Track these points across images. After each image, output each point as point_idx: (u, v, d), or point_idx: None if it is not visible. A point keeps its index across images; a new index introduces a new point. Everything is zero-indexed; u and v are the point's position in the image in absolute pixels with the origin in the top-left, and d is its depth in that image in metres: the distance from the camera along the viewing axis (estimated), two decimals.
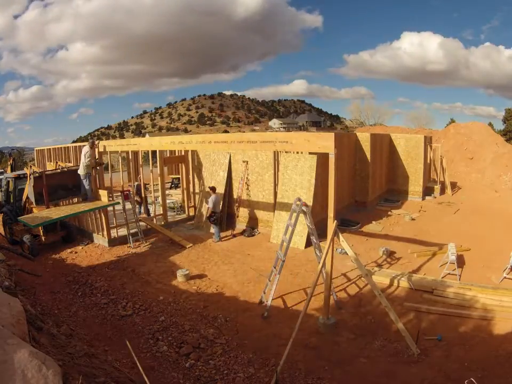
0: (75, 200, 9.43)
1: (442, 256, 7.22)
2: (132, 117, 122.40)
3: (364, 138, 11.91)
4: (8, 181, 9.90)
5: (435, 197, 14.12)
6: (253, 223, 9.99)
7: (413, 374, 4.08)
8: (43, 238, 8.78)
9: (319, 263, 4.91)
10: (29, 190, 8.66)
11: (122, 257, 8.13)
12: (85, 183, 8.80)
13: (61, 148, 14.40)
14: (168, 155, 13.09)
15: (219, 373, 4.20)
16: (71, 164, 11.30)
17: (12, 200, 9.62)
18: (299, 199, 5.54)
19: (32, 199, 8.56)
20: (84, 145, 13.05)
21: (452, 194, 14.67)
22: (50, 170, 9.57)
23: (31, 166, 9.86)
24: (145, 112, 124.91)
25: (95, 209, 8.72)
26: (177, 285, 6.60)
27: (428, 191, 14.52)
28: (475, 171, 19.55)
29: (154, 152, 11.24)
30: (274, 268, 5.75)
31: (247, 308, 5.74)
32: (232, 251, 8.30)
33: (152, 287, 6.56)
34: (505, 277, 6.39)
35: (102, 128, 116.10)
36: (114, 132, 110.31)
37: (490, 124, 29.77)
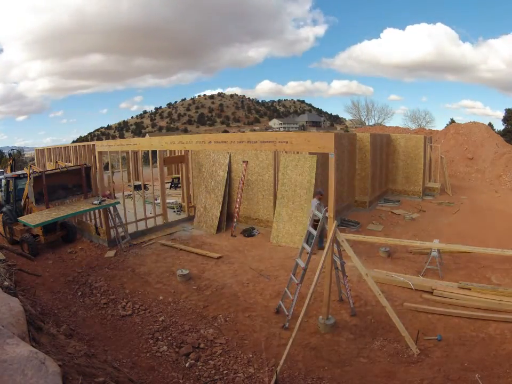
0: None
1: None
2: (132, 117, 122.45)
3: (364, 138, 11.92)
4: (8, 181, 9.84)
5: (435, 197, 14.13)
6: (253, 223, 9.99)
7: (412, 374, 4.08)
8: (43, 238, 8.76)
9: (320, 263, 4.91)
10: (28, 190, 8.63)
11: (122, 257, 8.13)
12: None
13: (61, 147, 14.40)
14: (168, 155, 13.10)
15: (219, 373, 4.20)
16: (71, 164, 11.27)
17: (11, 200, 9.60)
18: (320, 204, 5.29)
19: (32, 198, 8.51)
20: (84, 145, 13.03)
21: (452, 195, 14.68)
22: (50, 170, 9.51)
23: (31, 166, 9.74)
24: (145, 112, 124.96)
25: (95, 209, 8.68)
26: (177, 285, 6.60)
27: (427, 191, 14.53)
28: (475, 171, 19.58)
29: (154, 152, 11.24)
30: (293, 275, 5.42)
31: (247, 307, 5.74)
32: (232, 251, 8.30)
33: (152, 287, 6.56)
34: None
35: (102, 128, 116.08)
36: (114, 132, 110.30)
37: (490, 124, 29.78)
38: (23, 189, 9.26)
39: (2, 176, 11.26)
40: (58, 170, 9.23)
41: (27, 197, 8.98)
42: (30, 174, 8.60)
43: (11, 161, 12.01)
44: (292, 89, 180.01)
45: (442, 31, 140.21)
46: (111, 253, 8.31)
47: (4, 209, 9.83)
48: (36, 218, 7.86)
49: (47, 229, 8.74)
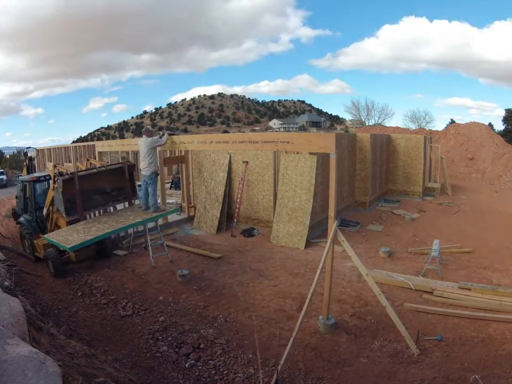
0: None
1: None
2: (132, 117, 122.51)
3: (364, 138, 11.92)
4: (25, 185, 8.19)
5: (435, 197, 14.13)
6: (253, 223, 9.99)
7: (412, 374, 4.08)
8: (73, 254, 7.10)
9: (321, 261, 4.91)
10: (55, 197, 6.92)
11: (122, 257, 8.13)
12: (149, 187, 7.10)
13: (61, 147, 14.42)
14: (168, 155, 13.10)
15: (219, 373, 4.20)
16: (99, 162, 9.00)
17: (30, 209, 8.10)
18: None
19: (62, 208, 6.77)
20: (85, 145, 12.95)
21: (452, 195, 14.68)
22: (84, 170, 7.70)
23: (55, 166, 7.84)
24: (145, 112, 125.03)
25: (151, 220, 7.12)
26: (177, 285, 6.60)
27: (427, 192, 14.53)
28: (475, 171, 19.58)
29: None
30: None
31: (247, 308, 5.73)
32: (232, 251, 8.30)
33: (152, 287, 6.56)
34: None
35: (102, 128, 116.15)
36: (114, 132, 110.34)
37: (490, 124, 29.78)
38: (45, 194, 7.84)
39: (3, 177, 11.10)
40: (95, 170, 7.36)
41: (51, 205, 7.39)
42: (55, 176, 6.89)
43: (27, 161, 10.55)
44: (281, 87, 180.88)
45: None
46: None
47: (22, 219, 8.30)
48: (70, 235, 6.11)
49: None
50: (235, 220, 9.87)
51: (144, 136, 7.10)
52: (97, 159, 9.88)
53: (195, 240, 9.15)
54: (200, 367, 4.31)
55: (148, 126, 7.83)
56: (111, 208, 7.99)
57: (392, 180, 14.25)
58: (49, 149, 15.66)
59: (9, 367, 1.67)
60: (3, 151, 45.15)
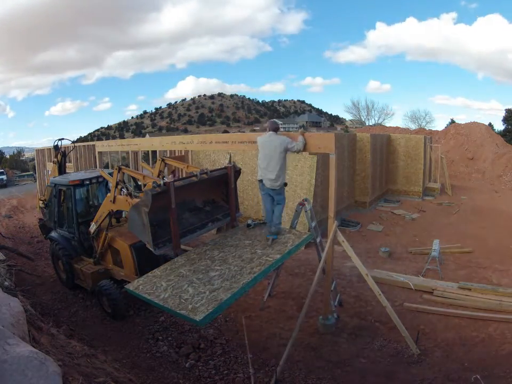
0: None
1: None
2: (132, 117, 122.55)
3: (364, 138, 11.92)
4: (61, 191, 6.30)
5: (435, 197, 14.12)
6: None
7: (412, 374, 4.08)
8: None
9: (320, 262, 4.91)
10: (133, 219, 4.30)
11: None
12: (275, 208, 5.09)
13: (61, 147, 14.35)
14: (168, 155, 13.10)
15: (219, 373, 4.20)
16: (185, 165, 6.24)
17: (69, 221, 6.24)
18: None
19: (146, 237, 4.20)
20: (85, 145, 12.91)
21: (452, 195, 14.67)
22: (182, 179, 5.03)
23: (119, 168, 5.38)
24: (145, 112, 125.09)
25: (290, 254, 4.66)
26: None
27: (428, 192, 14.52)
28: (475, 171, 19.58)
29: (154, 152, 11.23)
30: None
31: (247, 308, 5.73)
32: None
33: None
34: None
35: (102, 128, 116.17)
36: (114, 132, 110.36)
37: (490, 124, 29.76)
38: (85, 200, 6.38)
39: (3, 177, 10.54)
40: (195, 178, 4.65)
41: (104, 220, 5.54)
42: (117, 183, 5.06)
43: (59, 157, 7.96)
44: (276, 86, 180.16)
45: None
46: None
47: (54, 235, 6.50)
48: (171, 286, 3.73)
49: (142, 264, 5.29)
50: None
51: (270, 131, 4.80)
52: (97, 159, 9.76)
53: (195, 240, 9.13)
54: (200, 367, 4.31)
55: (275, 120, 5.51)
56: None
57: (392, 180, 14.24)
58: (49, 149, 15.63)
59: (9, 367, 1.67)
60: (3, 151, 45.23)
